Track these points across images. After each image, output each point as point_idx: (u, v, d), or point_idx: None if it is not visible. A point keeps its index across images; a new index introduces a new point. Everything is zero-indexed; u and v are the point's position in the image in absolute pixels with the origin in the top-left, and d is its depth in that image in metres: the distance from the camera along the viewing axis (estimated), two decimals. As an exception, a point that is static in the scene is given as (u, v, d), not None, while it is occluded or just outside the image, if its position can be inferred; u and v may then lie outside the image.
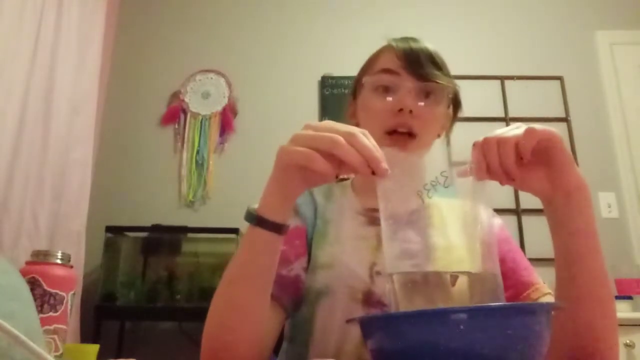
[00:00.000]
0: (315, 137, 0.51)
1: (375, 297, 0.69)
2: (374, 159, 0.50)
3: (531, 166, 0.56)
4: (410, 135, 0.74)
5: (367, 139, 0.51)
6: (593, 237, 0.57)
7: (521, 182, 0.57)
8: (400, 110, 0.73)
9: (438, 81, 0.75)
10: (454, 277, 0.66)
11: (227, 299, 0.59)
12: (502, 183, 0.56)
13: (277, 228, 0.56)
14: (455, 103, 0.84)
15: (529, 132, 0.53)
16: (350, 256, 0.73)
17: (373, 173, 0.50)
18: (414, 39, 0.80)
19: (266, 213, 0.56)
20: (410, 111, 0.72)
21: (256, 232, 0.56)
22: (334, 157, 0.50)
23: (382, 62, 0.80)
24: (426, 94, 0.75)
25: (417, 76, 0.75)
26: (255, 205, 0.57)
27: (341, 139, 0.50)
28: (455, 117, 0.86)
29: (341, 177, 0.60)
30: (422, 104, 0.74)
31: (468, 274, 0.68)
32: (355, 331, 0.67)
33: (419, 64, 0.75)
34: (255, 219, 0.56)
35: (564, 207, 0.57)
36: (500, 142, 0.54)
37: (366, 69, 0.84)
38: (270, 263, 0.59)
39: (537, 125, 0.53)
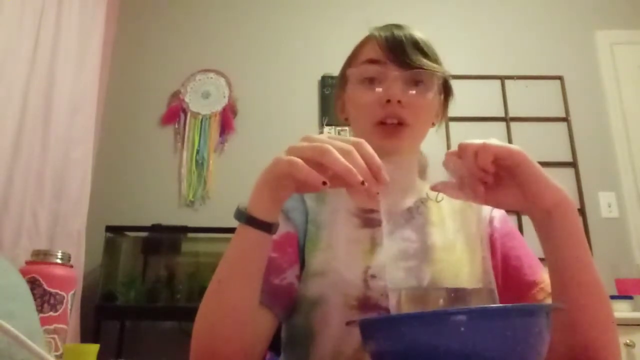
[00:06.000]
0: (305, 147, 0.51)
1: (371, 301, 0.67)
2: (372, 171, 0.50)
3: (504, 185, 0.56)
4: (401, 124, 0.72)
5: (366, 151, 0.51)
6: (581, 250, 0.56)
7: (494, 201, 0.57)
8: (388, 101, 0.70)
9: (424, 67, 0.72)
10: (453, 293, 0.66)
11: (216, 299, 0.59)
12: (473, 202, 0.55)
13: (266, 227, 0.56)
14: (446, 89, 0.80)
15: (483, 145, 0.52)
16: (342, 262, 0.71)
17: (362, 183, 0.49)
18: (397, 26, 0.77)
19: (255, 212, 0.56)
20: (399, 101, 0.70)
21: (245, 231, 0.56)
22: (324, 167, 0.50)
23: (365, 52, 0.77)
24: (414, 82, 0.73)
25: (402, 64, 0.72)
26: (245, 204, 0.57)
27: (330, 147, 0.50)
28: (446, 104, 0.82)
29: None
30: (412, 92, 0.71)
31: (466, 290, 0.68)
32: (353, 337, 0.64)
33: (403, 52, 0.72)
34: (245, 218, 0.56)
35: (547, 224, 0.56)
36: (460, 148, 0.54)
37: (350, 61, 0.81)
38: (258, 262, 0.59)
39: (496, 142, 0.53)
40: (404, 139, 0.72)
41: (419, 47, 0.73)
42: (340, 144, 0.51)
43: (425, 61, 0.72)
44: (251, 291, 0.59)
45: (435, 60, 0.75)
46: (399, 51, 0.72)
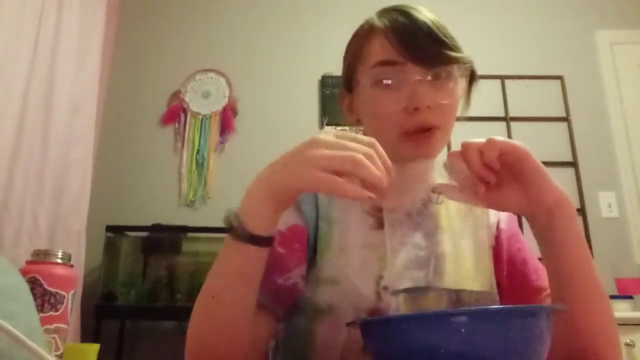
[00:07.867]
0: (331, 157, 0.47)
1: (381, 313, 0.64)
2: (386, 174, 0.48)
3: (504, 184, 0.55)
4: (431, 128, 0.64)
5: (380, 152, 0.49)
6: (582, 250, 0.55)
7: (495, 202, 0.56)
8: (416, 108, 0.63)
9: (448, 62, 0.64)
10: (453, 295, 0.65)
11: (210, 315, 0.55)
12: (474, 203, 0.55)
13: (268, 242, 0.53)
14: (472, 76, 0.72)
15: (489, 140, 0.52)
16: (356, 271, 0.66)
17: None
18: (403, 12, 0.67)
19: (256, 229, 0.51)
20: (428, 106, 0.63)
21: (243, 247, 0.52)
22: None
23: (375, 51, 0.67)
24: (438, 78, 0.64)
25: (421, 62, 0.63)
26: (235, 214, 0.52)
27: (362, 157, 0.46)
28: (470, 91, 0.73)
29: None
30: (439, 93, 0.64)
31: (466, 292, 0.67)
32: (358, 346, 0.62)
33: (419, 47, 0.63)
34: (245, 237, 0.51)
35: (547, 223, 0.55)
36: (464, 146, 0.53)
37: (356, 58, 0.71)
38: (256, 275, 0.55)
39: (500, 138, 0.52)
40: (436, 143, 0.65)
41: (436, 37, 0.64)
42: (364, 149, 0.47)
43: (446, 53, 0.64)
44: (248, 304, 0.56)
45: (454, 45, 0.66)
46: (415, 47, 0.64)
